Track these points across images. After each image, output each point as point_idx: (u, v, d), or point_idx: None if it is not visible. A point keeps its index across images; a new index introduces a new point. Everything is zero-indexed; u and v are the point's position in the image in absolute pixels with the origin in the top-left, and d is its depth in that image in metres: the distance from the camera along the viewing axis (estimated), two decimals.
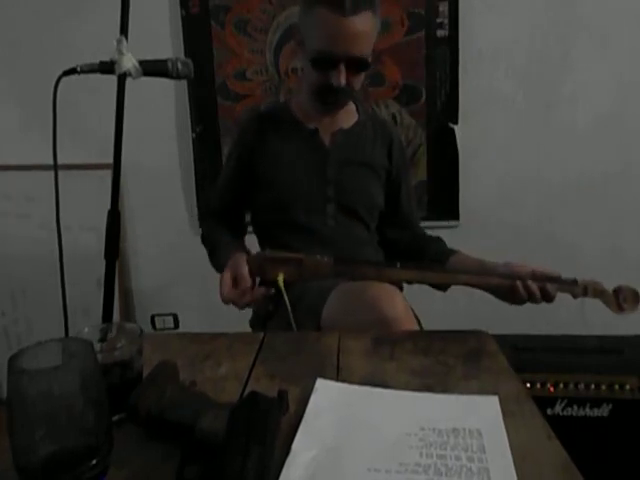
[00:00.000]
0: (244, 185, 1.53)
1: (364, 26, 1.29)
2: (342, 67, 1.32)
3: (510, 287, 1.21)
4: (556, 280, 1.22)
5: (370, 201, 1.53)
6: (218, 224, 1.57)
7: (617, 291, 1.26)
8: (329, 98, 1.41)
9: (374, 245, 1.58)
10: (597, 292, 1.26)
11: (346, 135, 1.51)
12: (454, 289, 1.49)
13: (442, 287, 1.48)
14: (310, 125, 1.49)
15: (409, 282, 1.48)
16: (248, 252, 1.37)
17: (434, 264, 1.46)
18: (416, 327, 1.19)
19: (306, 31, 1.34)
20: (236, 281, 1.23)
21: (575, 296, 1.26)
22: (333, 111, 1.49)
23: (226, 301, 1.23)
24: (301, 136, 1.49)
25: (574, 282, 1.25)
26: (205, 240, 1.59)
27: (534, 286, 1.20)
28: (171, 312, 2.58)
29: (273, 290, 1.24)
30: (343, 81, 1.34)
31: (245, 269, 1.23)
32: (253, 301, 1.25)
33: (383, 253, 1.60)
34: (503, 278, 1.23)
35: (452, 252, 1.49)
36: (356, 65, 1.34)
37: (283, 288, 1.20)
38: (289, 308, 1.22)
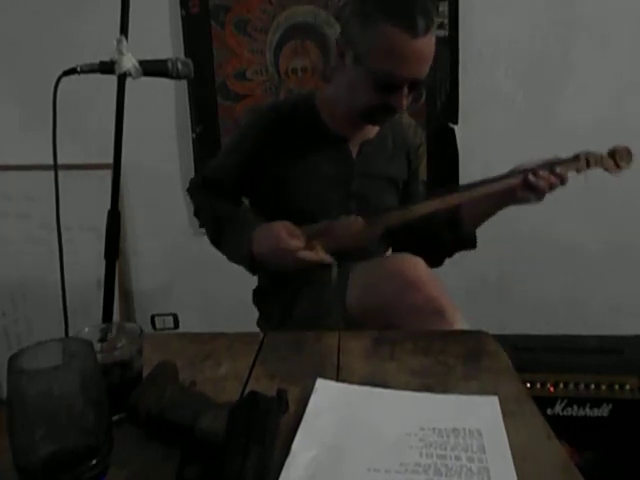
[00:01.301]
0: (250, 184, 1.44)
1: (432, 47, 1.21)
2: (406, 90, 1.23)
3: (525, 184, 1.28)
4: (561, 162, 1.30)
5: None
6: (219, 199, 1.46)
7: (613, 152, 1.35)
8: (380, 117, 1.33)
9: (383, 252, 1.56)
10: (597, 160, 1.35)
11: (371, 146, 1.43)
12: (454, 289, 1.50)
13: (469, 241, 1.47)
14: (340, 133, 1.39)
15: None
16: None
17: (453, 189, 1.39)
18: (442, 289, 1.17)
19: (365, 48, 1.21)
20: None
21: (579, 171, 1.34)
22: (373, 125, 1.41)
23: (290, 250, 1.19)
24: (328, 144, 1.39)
25: (576, 158, 1.33)
26: (208, 211, 1.47)
27: (546, 174, 1.27)
28: (171, 312, 2.59)
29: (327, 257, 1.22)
30: (406, 104, 1.26)
31: (296, 228, 1.22)
32: (309, 259, 1.21)
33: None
34: (515, 177, 1.29)
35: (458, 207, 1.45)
36: (414, 85, 1.25)
37: (323, 251, 1.21)
38: (335, 269, 1.24)
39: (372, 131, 1.44)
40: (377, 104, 1.26)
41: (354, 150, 1.41)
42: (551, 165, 1.28)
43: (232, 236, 1.36)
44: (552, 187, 1.29)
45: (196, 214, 1.52)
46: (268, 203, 1.44)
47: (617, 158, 1.36)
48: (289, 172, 1.38)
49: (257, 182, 1.42)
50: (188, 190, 1.57)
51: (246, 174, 1.42)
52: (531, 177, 1.27)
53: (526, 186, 1.29)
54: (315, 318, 1.29)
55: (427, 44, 1.18)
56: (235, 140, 1.48)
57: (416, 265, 1.18)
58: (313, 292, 1.33)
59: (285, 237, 1.19)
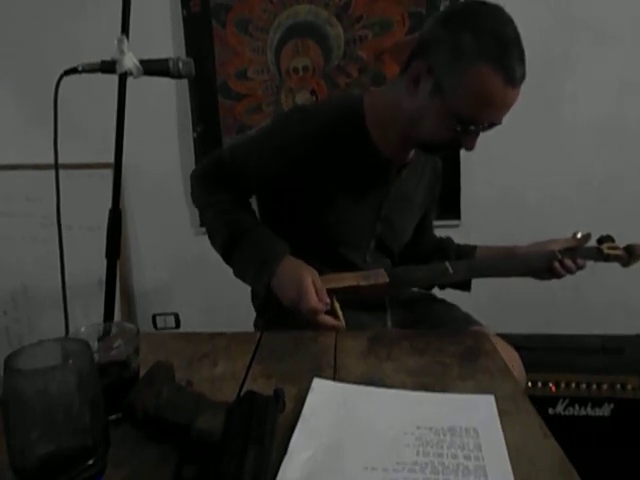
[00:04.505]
0: (275, 186, 1.32)
1: (519, 96, 1.12)
2: (480, 133, 1.17)
3: (548, 268, 1.34)
4: (583, 253, 1.37)
5: (406, 240, 1.48)
6: (230, 194, 1.32)
7: (629, 249, 1.44)
8: (442, 150, 1.27)
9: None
10: (617, 257, 1.43)
11: (408, 170, 1.36)
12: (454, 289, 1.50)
13: (467, 287, 1.50)
14: (386, 154, 1.28)
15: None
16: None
17: (480, 261, 1.46)
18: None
19: (454, 84, 1.10)
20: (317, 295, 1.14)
21: (597, 261, 1.42)
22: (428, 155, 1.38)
23: (313, 310, 1.12)
24: (372, 163, 1.28)
25: (599, 250, 1.42)
26: (219, 213, 1.31)
27: (569, 262, 1.33)
28: (172, 311, 2.59)
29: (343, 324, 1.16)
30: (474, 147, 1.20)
31: (323, 286, 1.16)
32: (326, 324, 1.14)
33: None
34: (540, 262, 1.35)
35: (473, 248, 1.51)
36: (488, 127, 1.17)
37: (341, 315, 1.16)
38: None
39: (411, 154, 1.36)
40: (445, 140, 1.18)
41: (393, 172, 1.33)
42: (574, 253, 1.35)
43: (249, 257, 1.25)
44: (571, 273, 1.35)
45: (200, 205, 1.37)
46: (289, 211, 1.33)
47: (632, 258, 1.44)
48: (325, 185, 1.28)
49: (285, 187, 1.31)
50: (194, 174, 1.38)
51: (277, 175, 1.28)
52: (557, 265, 1.33)
53: (551, 270, 1.35)
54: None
55: (518, 93, 1.11)
56: (276, 138, 1.29)
57: None
58: None
59: (313, 297, 1.12)
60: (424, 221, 1.54)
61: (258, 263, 1.22)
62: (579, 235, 1.40)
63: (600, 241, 1.45)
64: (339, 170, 1.26)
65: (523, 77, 1.09)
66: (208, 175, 1.35)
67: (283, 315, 1.19)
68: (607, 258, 1.41)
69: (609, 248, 1.42)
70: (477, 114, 1.12)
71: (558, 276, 1.35)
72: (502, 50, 1.06)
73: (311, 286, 1.14)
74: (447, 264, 1.30)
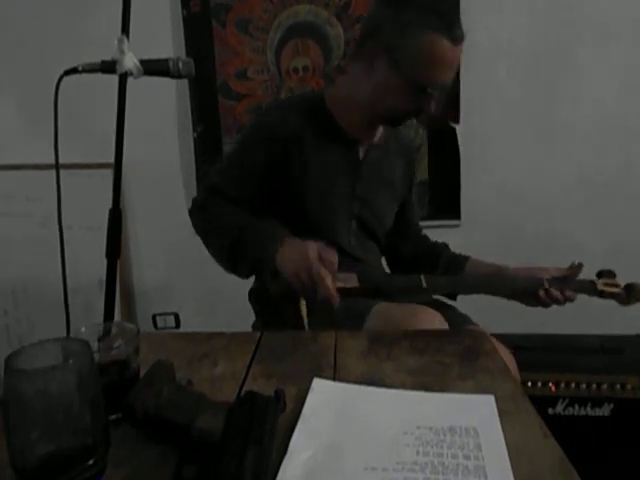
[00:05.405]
0: (270, 185, 1.36)
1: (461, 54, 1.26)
2: (436, 94, 1.27)
3: (533, 294, 1.31)
4: (575, 285, 1.33)
5: (387, 224, 1.51)
6: (237, 211, 1.34)
7: (629, 288, 1.35)
8: (405, 119, 1.36)
9: (381, 261, 1.57)
10: (613, 295, 1.35)
11: (377, 150, 1.44)
12: None
13: (452, 297, 1.50)
14: (351, 135, 1.39)
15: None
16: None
17: (461, 277, 1.45)
18: None
19: (407, 54, 1.22)
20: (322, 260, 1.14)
21: (590, 295, 1.35)
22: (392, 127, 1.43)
23: (321, 248, 1.14)
24: (339, 145, 1.38)
25: (592, 285, 1.35)
26: (224, 221, 1.33)
27: (556, 293, 1.30)
28: (172, 311, 2.59)
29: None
30: (434, 108, 1.30)
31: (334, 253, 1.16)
32: (330, 292, 1.12)
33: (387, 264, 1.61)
34: (526, 287, 1.32)
35: (465, 259, 1.50)
36: (440, 90, 1.28)
37: (305, 317, 1.17)
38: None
39: (378, 136, 1.44)
40: (410, 109, 1.30)
41: (362, 152, 1.41)
42: (563, 284, 1.31)
43: (252, 243, 1.25)
44: (557, 304, 1.33)
45: (205, 232, 1.37)
46: (273, 203, 1.39)
47: (631, 297, 1.35)
48: (303, 174, 1.34)
49: (267, 184, 1.36)
50: (192, 211, 1.40)
51: (261, 178, 1.35)
52: (542, 294, 1.31)
53: (535, 297, 1.32)
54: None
55: (461, 51, 1.24)
56: (260, 132, 1.37)
57: (434, 316, 1.18)
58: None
59: (317, 263, 1.13)
60: (405, 210, 1.57)
61: (261, 245, 1.24)
62: (577, 263, 1.34)
63: (599, 275, 1.39)
64: (313, 155, 1.34)
65: (463, 35, 1.22)
66: (205, 204, 1.37)
67: (281, 316, 1.20)
68: (601, 294, 1.35)
69: (606, 285, 1.36)
70: (431, 77, 1.23)
71: (544, 305, 1.33)
72: (443, 17, 1.19)
73: (313, 247, 1.15)
74: (422, 278, 1.29)
